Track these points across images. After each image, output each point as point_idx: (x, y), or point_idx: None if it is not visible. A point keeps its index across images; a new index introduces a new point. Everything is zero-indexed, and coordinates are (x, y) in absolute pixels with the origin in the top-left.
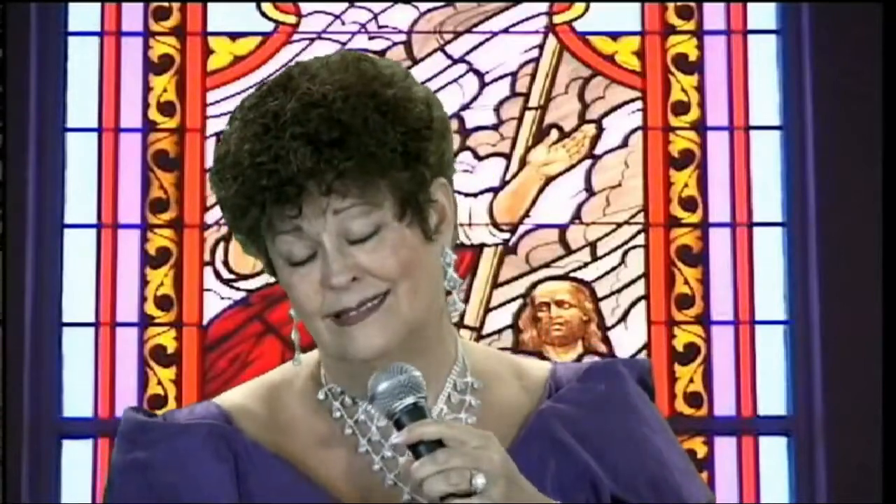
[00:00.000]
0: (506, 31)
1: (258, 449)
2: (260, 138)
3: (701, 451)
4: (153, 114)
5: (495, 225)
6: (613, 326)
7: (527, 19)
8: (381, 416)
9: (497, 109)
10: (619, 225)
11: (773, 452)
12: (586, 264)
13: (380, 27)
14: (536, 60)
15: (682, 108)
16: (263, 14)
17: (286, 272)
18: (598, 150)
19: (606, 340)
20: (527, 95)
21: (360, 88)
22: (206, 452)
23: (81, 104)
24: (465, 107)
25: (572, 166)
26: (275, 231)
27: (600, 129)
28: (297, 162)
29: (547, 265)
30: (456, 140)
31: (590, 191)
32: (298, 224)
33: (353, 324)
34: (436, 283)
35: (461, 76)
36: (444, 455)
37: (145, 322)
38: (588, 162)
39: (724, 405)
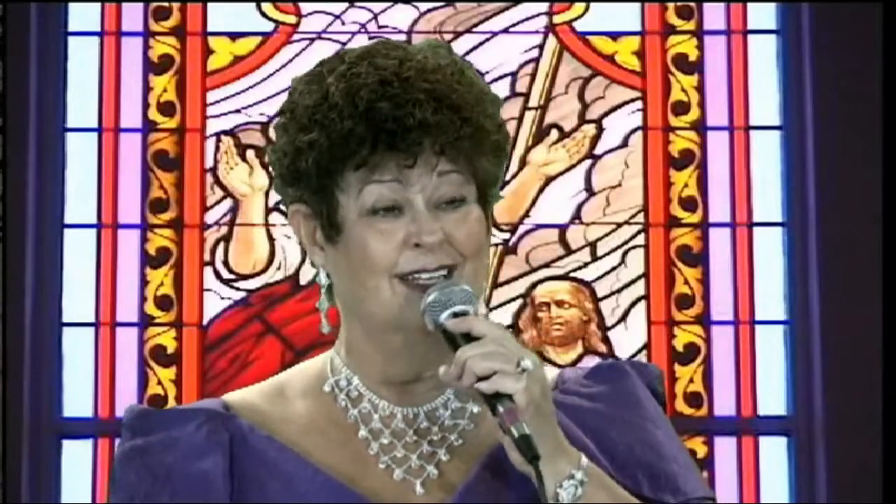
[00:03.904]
0: (506, 31)
1: (253, 432)
2: (381, 87)
3: (701, 451)
4: (153, 114)
5: (495, 225)
6: (613, 326)
7: (527, 19)
8: (433, 327)
9: None
10: (619, 225)
11: (773, 452)
12: (586, 264)
13: (380, 27)
14: (536, 60)
15: (682, 108)
16: (263, 14)
17: (361, 225)
18: (598, 150)
19: (606, 340)
20: (527, 95)
21: (470, 72)
22: (200, 435)
23: (81, 104)
24: None
25: (572, 166)
26: (369, 179)
27: (600, 129)
28: (420, 114)
29: (547, 265)
30: None
31: (590, 191)
32: (399, 177)
33: (419, 291)
34: (484, 278)
35: None
36: (492, 344)
37: (145, 322)
38: (588, 162)
39: (724, 405)
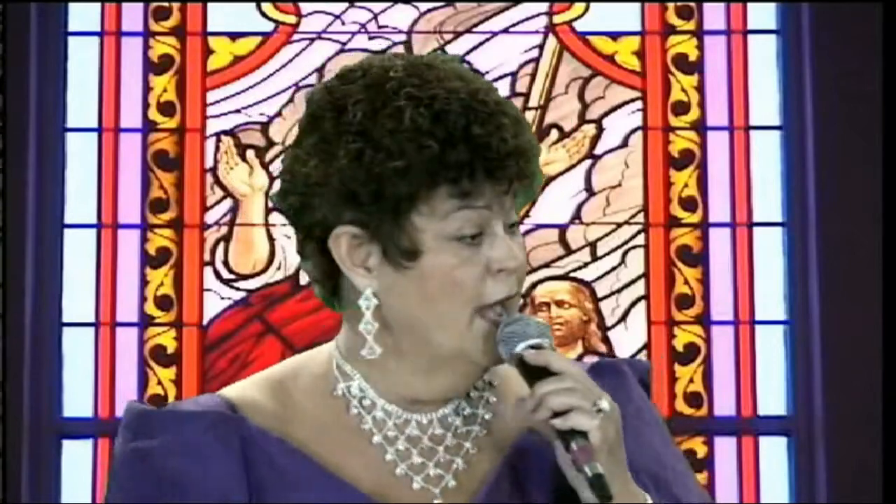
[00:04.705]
0: (506, 31)
1: (265, 435)
2: (467, 111)
3: (701, 451)
4: (153, 114)
5: None
6: (613, 326)
7: (527, 19)
8: (508, 357)
9: None
10: (619, 225)
11: (773, 452)
12: (586, 264)
13: (380, 27)
14: (536, 60)
15: (682, 108)
16: (263, 14)
17: (443, 251)
18: (598, 150)
19: (606, 340)
20: (527, 95)
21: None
22: (209, 438)
23: (81, 104)
24: None
25: (572, 166)
26: (461, 204)
27: (600, 129)
28: (510, 138)
29: (547, 265)
30: None
31: (590, 191)
32: (491, 203)
33: (495, 326)
34: None
35: None
36: (570, 380)
37: (145, 322)
38: (588, 162)
39: (724, 405)
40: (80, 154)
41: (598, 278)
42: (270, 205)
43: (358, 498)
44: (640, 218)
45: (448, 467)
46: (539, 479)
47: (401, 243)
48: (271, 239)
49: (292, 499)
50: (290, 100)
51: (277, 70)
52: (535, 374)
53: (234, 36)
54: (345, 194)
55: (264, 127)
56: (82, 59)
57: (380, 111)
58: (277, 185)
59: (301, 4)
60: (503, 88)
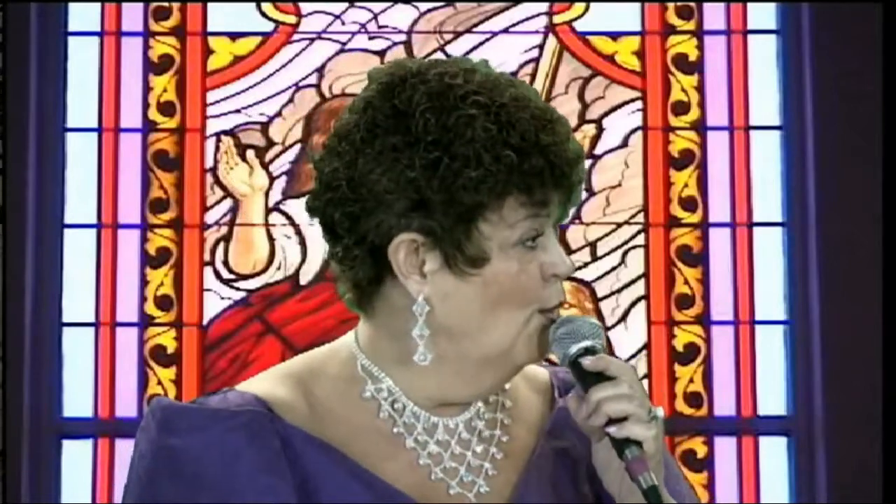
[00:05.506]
0: (506, 31)
1: (303, 435)
2: (535, 121)
3: (701, 451)
4: (153, 114)
5: None
6: (613, 326)
7: (527, 19)
8: (561, 358)
9: None
10: (619, 225)
11: (773, 452)
12: (586, 264)
13: (380, 27)
14: (536, 60)
15: (682, 108)
16: (263, 14)
17: (507, 258)
18: (598, 150)
19: (606, 340)
20: None
21: None
22: (243, 438)
23: (81, 104)
24: None
25: None
26: (531, 213)
27: (600, 129)
28: (572, 146)
29: None
30: None
31: (590, 191)
32: (556, 211)
33: (550, 323)
34: None
35: None
36: (625, 386)
37: (145, 322)
38: (588, 162)
39: (724, 405)
40: (80, 154)
41: (598, 278)
42: (270, 204)
43: (405, 500)
44: (640, 218)
45: (479, 472)
46: (567, 483)
47: (467, 251)
48: (271, 239)
49: (345, 499)
50: (290, 100)
51: (277, 70)
52: (590, 377)
53: (234, 36)
54: (415, 202)
55: (264, 127)
56: (82, 59)
57: (450, 119)
58: (322, 195)
59: (301, 4)
60: None
